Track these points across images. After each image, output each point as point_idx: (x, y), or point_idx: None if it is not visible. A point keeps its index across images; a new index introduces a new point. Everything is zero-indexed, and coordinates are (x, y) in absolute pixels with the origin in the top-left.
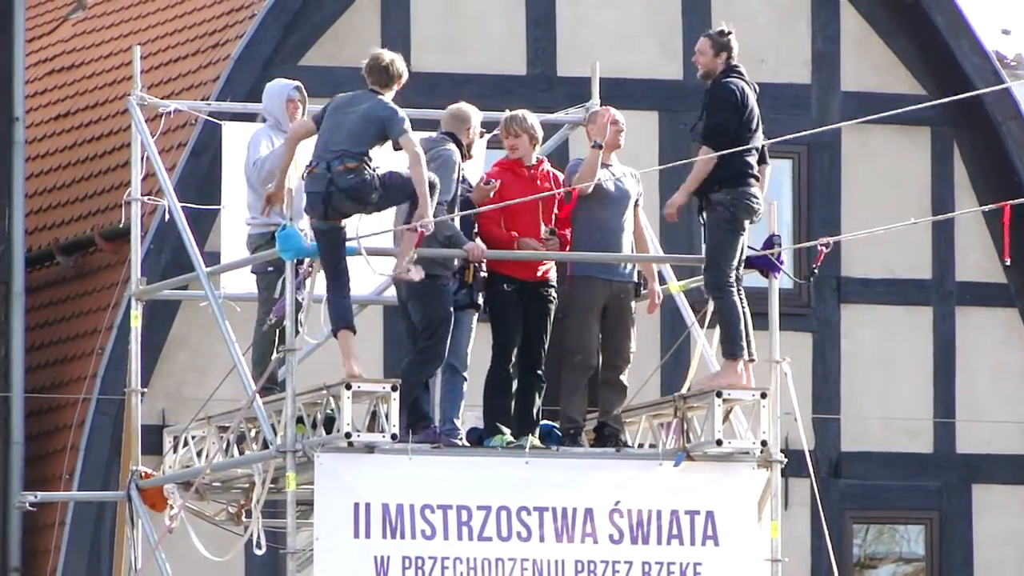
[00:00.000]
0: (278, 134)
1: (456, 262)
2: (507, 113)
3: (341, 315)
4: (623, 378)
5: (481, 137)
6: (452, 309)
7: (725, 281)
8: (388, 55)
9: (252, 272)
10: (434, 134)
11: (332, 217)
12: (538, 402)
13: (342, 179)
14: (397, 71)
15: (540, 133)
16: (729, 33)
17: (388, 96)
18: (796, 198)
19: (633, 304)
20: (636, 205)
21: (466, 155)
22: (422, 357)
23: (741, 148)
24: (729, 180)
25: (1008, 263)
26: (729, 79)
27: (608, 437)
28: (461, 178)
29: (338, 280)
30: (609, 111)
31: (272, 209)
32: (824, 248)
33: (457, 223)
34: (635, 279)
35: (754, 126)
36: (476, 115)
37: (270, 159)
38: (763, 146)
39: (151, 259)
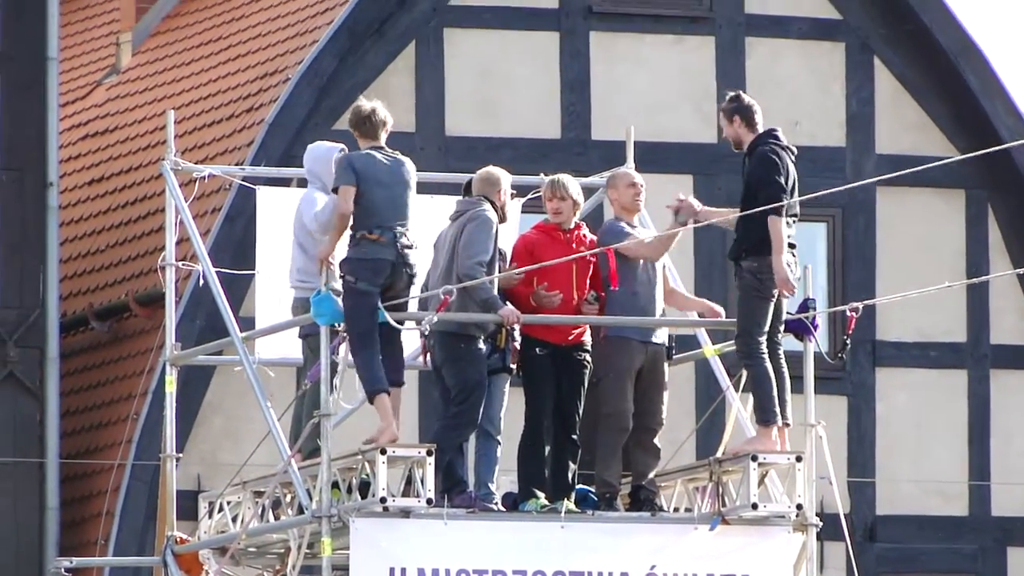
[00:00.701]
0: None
1: (490, 326)
2: (548, 177)
3: (379, 378)
4: (656, 441)
5: (512, 199)
6: (486, 373)
7: (756, 348)
8: (368, 104)
9: (300, 337)
10: (465, 198)
11: (382, 285)
12: (573, 467)
13: (407, 253)
14: (380, 119)
15: (582, 199)
16: (737, 96)
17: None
18: (831, 261)
19: (666, 367)
20: (664, 267)
21: (502, 217)
22: (456, 422)
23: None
24: (758, 248)
25: None
26: (767, 146)
27: (644, 501)
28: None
29: (374, 344)
30: (628, 174)
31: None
32: (854, 314)
33: (495, 287)
34: (667, 343)
35: (792, 190)
36: (506, 177)
37: (325, 211)
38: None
39: (186, 324)
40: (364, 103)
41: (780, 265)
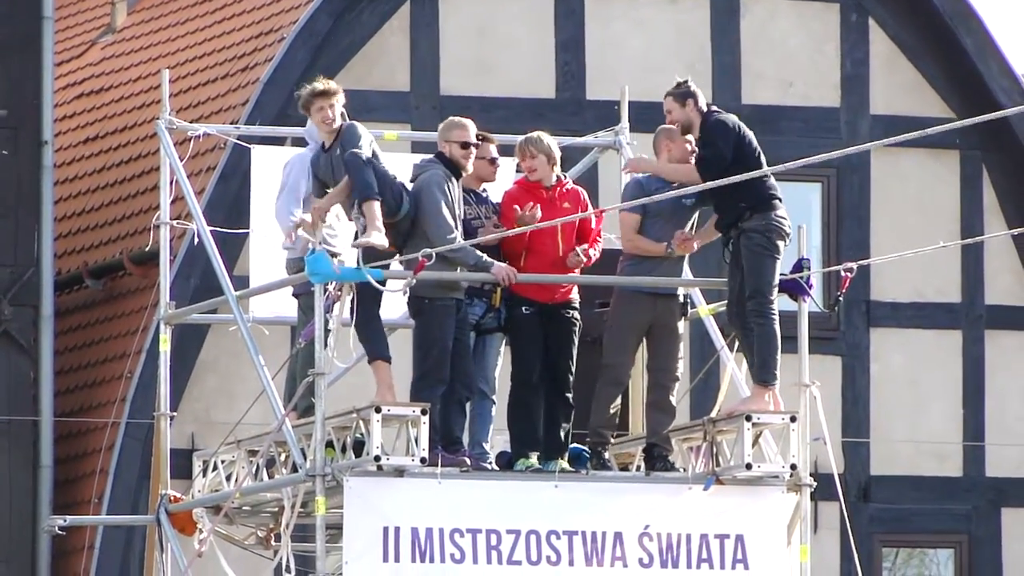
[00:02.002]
0: None
1: (485, 286)
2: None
3: (387, 345)
4: (671, 398)
5: (497, 160)
6: (451, 331)
7: (768, 308)
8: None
9: (293, 295)
10: (419, 161)
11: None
12: (566, 426)
13: None
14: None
15: (557, 153)
16: (686, 82)
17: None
18: (825, 221)
19: (681, 324)
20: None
21: (459, 166)
22: (422, 382)
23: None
24: (758, 205)
25: None
26: (715, 115)
27: (657, 459)
28: (462, 199)
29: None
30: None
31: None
32: (848, 274)
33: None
34: (682, 297)
35: (758, 152)
36: (454, 125)
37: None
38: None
39: (180, 283)
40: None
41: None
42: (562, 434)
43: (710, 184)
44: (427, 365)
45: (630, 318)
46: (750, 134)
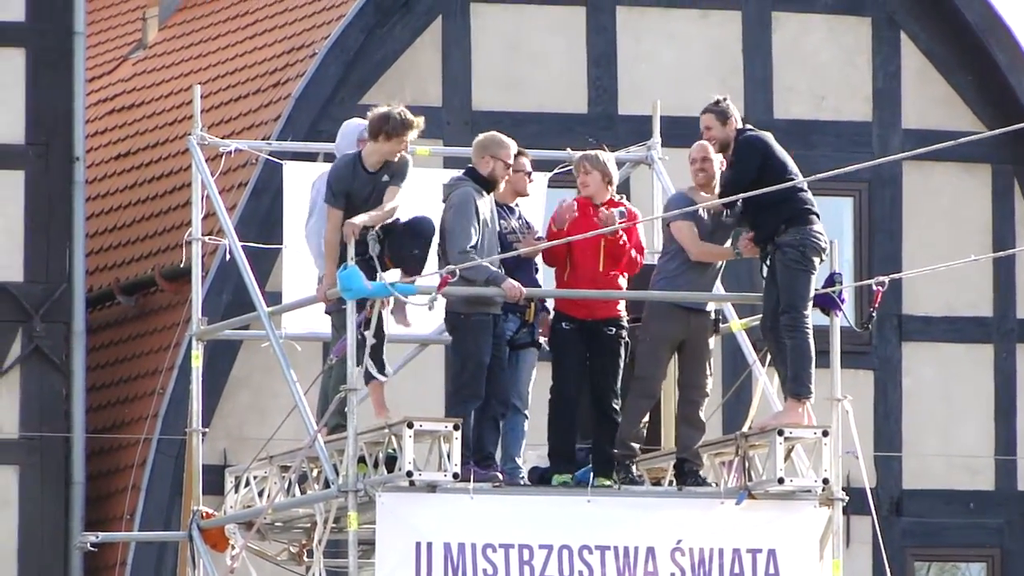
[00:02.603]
0: None
1: (520, 302)
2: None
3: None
4: (700, 413)
5: (532, 175)
6: (487, 347)
7: (803, 322)
8: (386, 109)
9: (326, 312)
10: (452, 178)
11: None
12: (609, 442)
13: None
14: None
15: (614, 172)
16: (725, 99)
17: (371, 149)
18: (857, 236)
19: (712, 340)
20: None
21: (493, 183)
22: (458, 395)
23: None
24: (793, 219)
25: None
26: (747, 133)
27: (688, 474)
28: (496, 213)
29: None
30: (697, 148)
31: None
32: (880, 288)
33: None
34: (713, 313)
35: (790, 169)
36: (494, 142)
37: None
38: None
39: (212, 299)
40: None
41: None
42: (607, 454)
43: (727, 199)
44: (462, 380)
45: (664, 332)
46: (781, 152)
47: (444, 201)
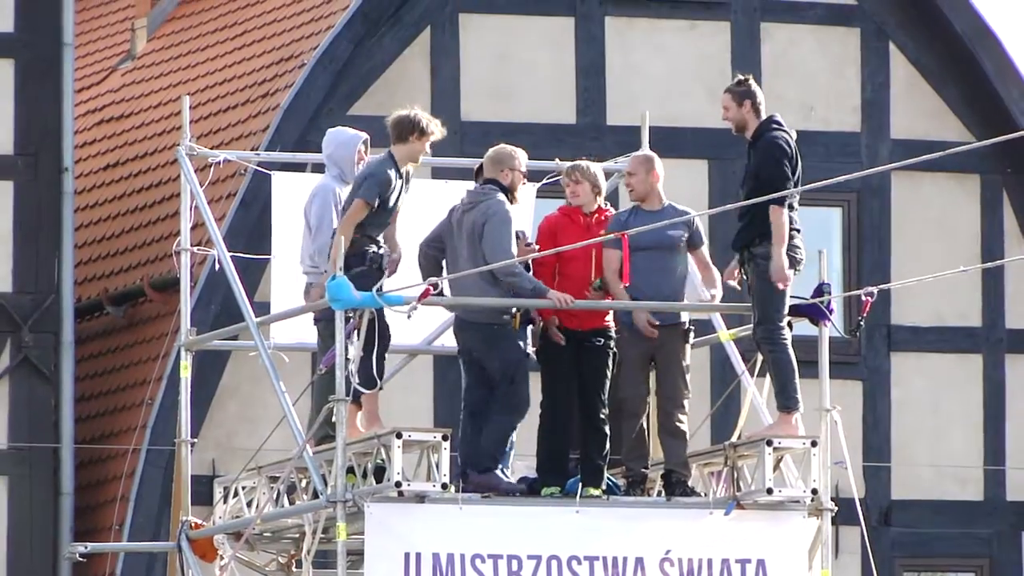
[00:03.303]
0: (342, 186)
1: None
2: (567, 164)
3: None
4: (679, 424)
5: (525, 184)
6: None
7: (779, 335)
8: (407, 111)
9: (314, 322)
10: (475, 185)
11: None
12: (597, 457)
13: None
14: (409, 120)
15: (603, 183)
16: (746, 80)
17: (403, 151)
18: (846, 246)
19: (687, 348)
20: (694, 247)
21: (512, 198)
22: (508, 404)
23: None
24: (770, 235)
25: None
26: (773, 132)
27: (675, 484)
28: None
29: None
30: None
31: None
32: (869, 298)
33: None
34: (687, 323)
35: (796, 177)
36: (511, 154)
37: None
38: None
39: (201, 309)
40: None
41: (781, 256)
42: (594, 463)
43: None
44: (513, 388)
45: (632, 350)
46: (794, 159)
47: (468, 210)
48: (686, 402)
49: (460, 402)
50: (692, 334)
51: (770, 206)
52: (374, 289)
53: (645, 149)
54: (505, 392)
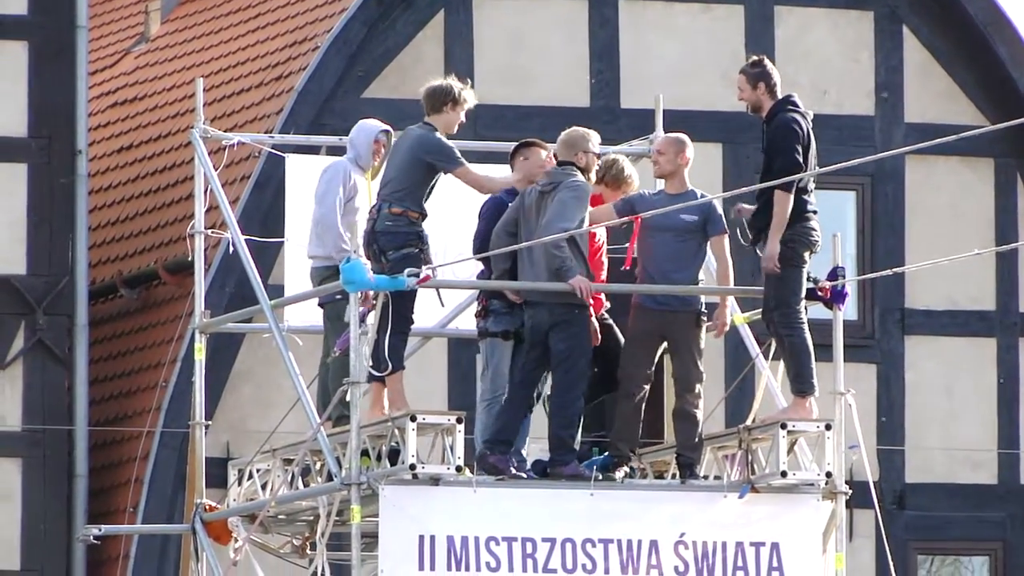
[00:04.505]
0: (356, 170)
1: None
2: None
3: (400, 356)
4: (690, 408)
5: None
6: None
7: (796, 318)
8: (440, 81)
9: (319, 305)
10: (557, 168)
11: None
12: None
13: (380, 222)
14: (443, 89)
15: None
16: (760, 61)
17: (441, 121)
18: (860, 230)
19: (702, 333)
20: (711, 234)
21: (588, 179)
22: (574, 386)
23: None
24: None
25: None
26: (787, 113)
27: (682, 467)
28: None
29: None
30: (662, 141)
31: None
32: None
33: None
34: (699, 307)
35: (812, 159)
36: (584, 136)
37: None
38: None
39: (215, 292)
40: (439, 80)
41: (775, 243)
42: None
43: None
44: (579, 372)
45: (637, 330)
46: (811, 137)
47: (548, 191)
48: (699, 386)
49: (474, 385)
50: (705, 318)
51: (775, 191)
52: (406, 272)
53: (667, 133)
54: (567, 375)
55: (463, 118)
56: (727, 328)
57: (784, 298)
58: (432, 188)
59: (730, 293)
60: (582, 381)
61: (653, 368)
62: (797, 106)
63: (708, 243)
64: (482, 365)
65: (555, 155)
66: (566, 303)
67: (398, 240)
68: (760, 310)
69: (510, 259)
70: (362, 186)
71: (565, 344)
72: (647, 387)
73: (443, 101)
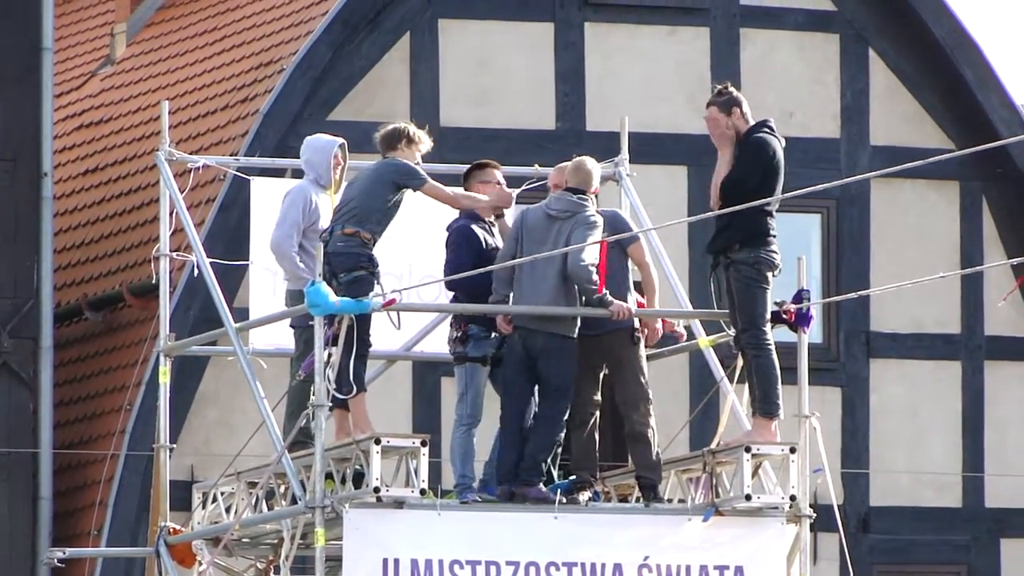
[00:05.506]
0: (318, 190)
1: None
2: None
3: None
4: (640, 428)
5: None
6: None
7: (764, 339)
8: (395, 125)
9: (291, 326)
10: (569, 196)
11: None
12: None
13: (333, 243)
14: (398, 132)
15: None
16: (726, 87)
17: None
18: (825, 252)
19: (640, 349)
20: (628, 243)
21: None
22: (560, 416)
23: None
24: (749, 240)
25: (1001, 304)
26: (762, 134)
27: (644, 488)
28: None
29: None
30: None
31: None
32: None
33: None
34: (632, 324)
35: (779, 183)
36: (597, 174)
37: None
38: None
39: (179, 315)
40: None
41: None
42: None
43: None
44: (565, 403)
45: (581, 356)
46: (780, 164)
47: (565, 218)
48: (646, 404)
49: (439, 408)
50: (639, 333)
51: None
52: (371, 295)
53: (631, 156)
54: (560, 406)
55: (419, 158)
56: (659, 336)
57: (753, 319)
58: (392, 213)
59: (697, 317)
60: (567, 409)
61: (599, 392)
62: (773, 130)
63: (627, 254)
64: (459, 389)
65: (551, 176)
66: (561, 333)
67: (349, 262)
68: (723, 333)
69: (511, 286)
70: (325, 205)
71: (558, 372)
72: (596, 412)
73: (397, 139)
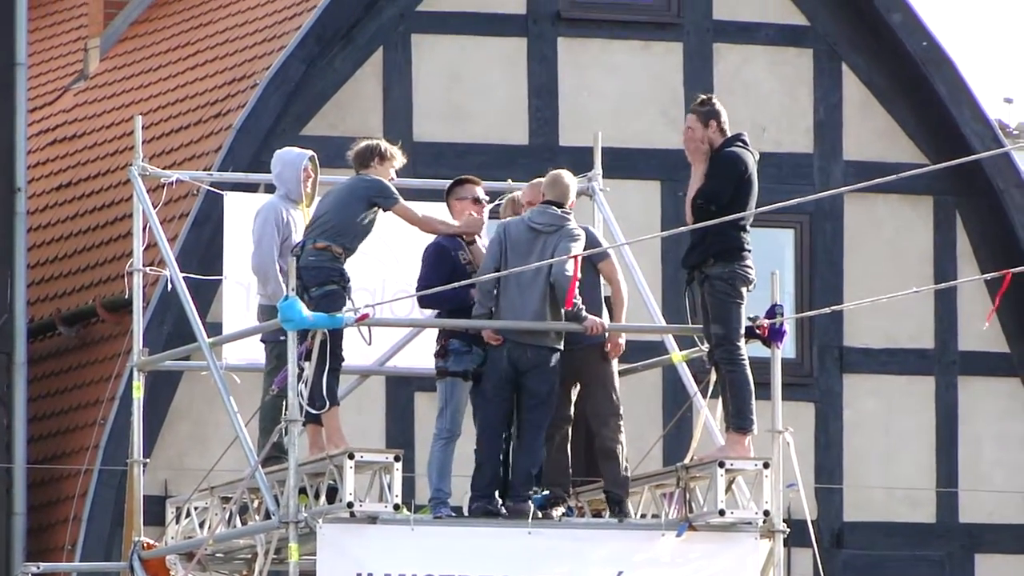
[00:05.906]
0: (289, 205)
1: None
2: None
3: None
4: (609, 443)
5: (477, 202)
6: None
7: (738, 354)
8: (367, 142)
9: (262, 341)
10: (551, 210)
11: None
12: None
13: (304, 257)
14: (371, 149)
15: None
16: (710, 99)
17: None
18: (798, 267)
19: (611, 365)
20: (598, 259)
21: None
22: (544, 425)
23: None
24: (724, 255)
25: (986, 327)
26: (733, 148)
27: (611, 504)
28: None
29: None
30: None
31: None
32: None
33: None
34: (603, 340)
35: (751, 198)
36: (574, 187)
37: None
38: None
39: (153, 330)
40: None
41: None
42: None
43: (685, 229)
44: (548, 412)
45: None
46: (753, 178)
47: (549, 232)
48: (616, 420)
49: (412, 423)
50: (606, 348)
51: (687, 211)
52: (344, 310)
53: (604, 171)
54: (543, 416)
55: (393, 175)
56: (621, 350)
57: (728, 335)
58: (368, 230)
59: (670, 332)
60: (549, 420)
61: (571, 408)
62: (746, 144)
63: (598, 270)
64: (439, 403)
65: (541, 192)
66: (549, 346)
67: (321, 276)
68: (696, 348)
69: (495, 300)
70: (298, 219)
71: (546, 386)
72: (567, 427)
73: (370, 156)
